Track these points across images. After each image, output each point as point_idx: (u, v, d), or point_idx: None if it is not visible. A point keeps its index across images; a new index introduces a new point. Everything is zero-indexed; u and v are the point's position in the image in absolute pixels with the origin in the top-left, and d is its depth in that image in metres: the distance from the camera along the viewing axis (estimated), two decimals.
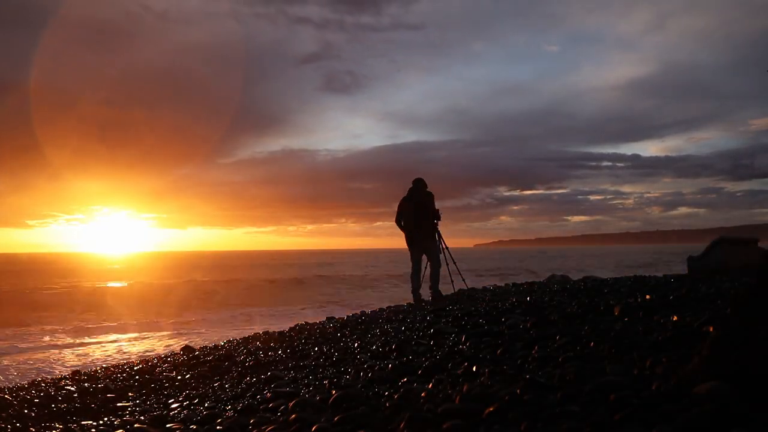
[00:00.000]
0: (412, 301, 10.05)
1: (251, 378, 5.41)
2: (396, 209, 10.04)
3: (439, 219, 9.88)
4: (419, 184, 9.89)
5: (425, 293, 10.05)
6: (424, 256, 9.97)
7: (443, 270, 10.32)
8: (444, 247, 10.28)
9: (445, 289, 10.92)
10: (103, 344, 12.02)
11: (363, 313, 9.44)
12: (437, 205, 9.97)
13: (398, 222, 10.03)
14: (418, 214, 9.74)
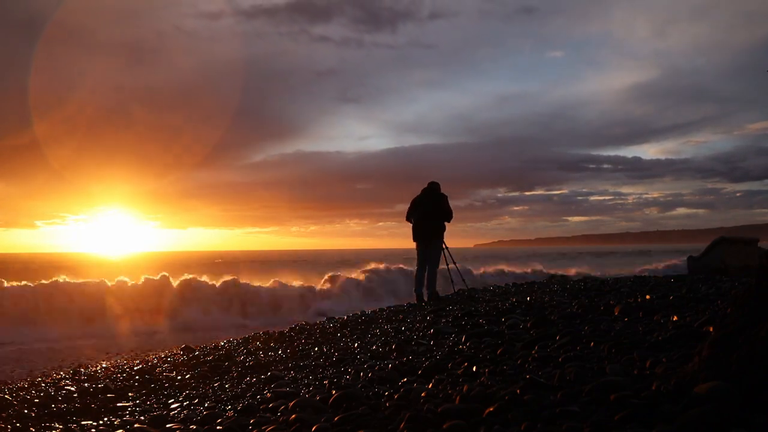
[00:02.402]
0: (412, 301, 10.06)
1: (251, 378, 5.41)
2: (408, 207, 10.16)
3: (450, 218, 9.97)
4: (434, 186, 10.02)
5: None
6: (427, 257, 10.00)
7: (443, 270, 10.35)
8: (444, 247, 10.32)
9: (445, 289, 10.93)
10: (102, 344, 12.01)
11: (363, 313, 9.44)
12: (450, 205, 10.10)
13: (409, 218, 10.12)
14: (430, 212, 9.84)
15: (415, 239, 10.04)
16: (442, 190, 10.04)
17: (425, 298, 9.82)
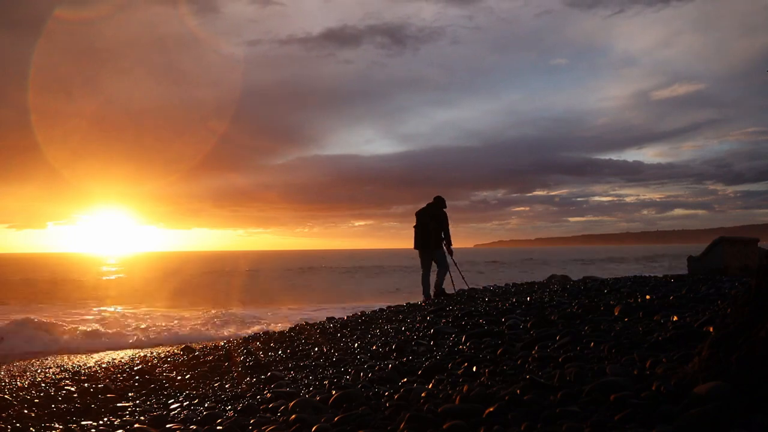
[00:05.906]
0: (412, 301, 10.19)
1: (251, 378, 5.41)
2: (414, 216, 10.77)
3: (450, 243, 10.47)
4: (439, 201, 10.57)
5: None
6: (433, 262, 10.50)
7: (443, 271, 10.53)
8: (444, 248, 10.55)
9: (446, 289, 10.98)
10: (103, 343, 12.01)
11: (363, 313, 9.44)
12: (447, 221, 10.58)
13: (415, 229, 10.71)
14: (431, 226, 10.38)
15: (415, 247, 10.56)
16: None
17: (431, 296, 10.23)
